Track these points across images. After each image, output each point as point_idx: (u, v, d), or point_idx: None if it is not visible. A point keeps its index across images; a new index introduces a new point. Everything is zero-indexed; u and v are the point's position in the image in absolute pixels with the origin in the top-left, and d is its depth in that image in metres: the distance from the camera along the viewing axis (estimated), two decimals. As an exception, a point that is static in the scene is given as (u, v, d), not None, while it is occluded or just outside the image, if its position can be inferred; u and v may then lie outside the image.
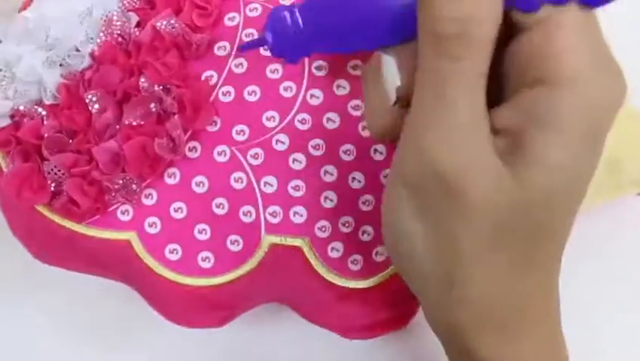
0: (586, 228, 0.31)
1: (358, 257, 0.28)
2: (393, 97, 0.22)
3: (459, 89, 0.20)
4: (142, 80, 0.28)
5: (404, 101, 0.22)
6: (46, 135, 0.28)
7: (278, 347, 0.34)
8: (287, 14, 0.24)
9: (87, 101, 0.28)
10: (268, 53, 0.28)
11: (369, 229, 0.28)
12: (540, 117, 0.20)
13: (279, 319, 0.33)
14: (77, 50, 0.29)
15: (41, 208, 0.28)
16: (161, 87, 0.28)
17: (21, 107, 0.29)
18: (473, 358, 0.23)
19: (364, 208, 0.28)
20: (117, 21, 0.29)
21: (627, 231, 0.35)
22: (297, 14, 0.24)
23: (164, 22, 0.28)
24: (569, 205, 0.21)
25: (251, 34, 0.29)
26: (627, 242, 0.34)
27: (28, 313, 0.35)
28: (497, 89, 0.21)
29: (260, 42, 0.25)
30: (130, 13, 0.29)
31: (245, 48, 0.26)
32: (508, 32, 0.21)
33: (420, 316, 0.30)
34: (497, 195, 0.20)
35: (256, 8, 0.29)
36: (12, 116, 0.29)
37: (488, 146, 0.20)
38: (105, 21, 0.29)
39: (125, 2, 0.29)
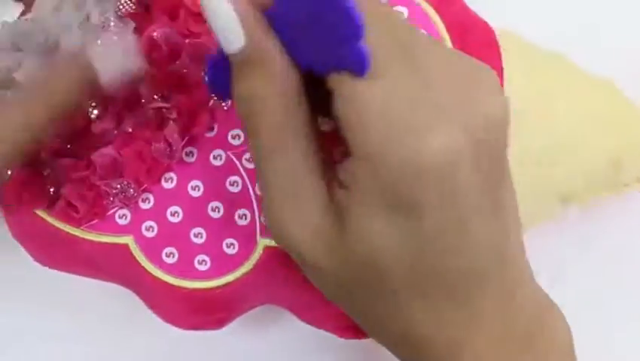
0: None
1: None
2: None
3: (265, 162, 0.21)
4: (142, 88, 0.28)
5: None
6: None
7: (275, 349, 0.34)
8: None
9: (86, 107, 0.28)
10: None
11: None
12: (351, 185, 0.20)
13: (275, 320, 0.34)
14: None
15: (40, 212, 0.29)
16: (160, 95, 0.28)
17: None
18: None
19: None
20: (114, 27, 0.29)
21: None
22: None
23: (160, 32, 0.28)
24: (392, 273, 0.21)
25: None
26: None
27: (27, 315, 0.35)
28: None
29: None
30: (127, 19, 0.30)
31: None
32: None
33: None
34: (328, 259, 0.21)
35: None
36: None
37: (314, 210, 0.21)
38: (102, 27, 0.29)
39: (121, 8, 0.30)
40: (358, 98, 0.19)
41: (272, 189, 0.21)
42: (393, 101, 0.19)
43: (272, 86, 0.20)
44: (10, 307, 0.35)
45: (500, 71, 0.28)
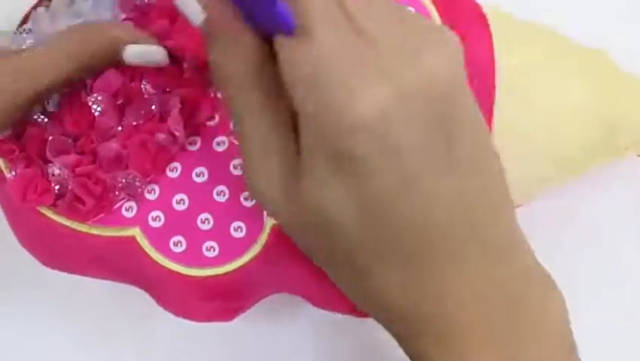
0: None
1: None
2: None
3: (240, 123, 0.23)
4: (144, 83, 0.29)
5: None
6: (50, 138, 0.29)
7: (291, 342, 0.33)
8: None
9: (90, 103, 0.29)
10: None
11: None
12: (301, 142, 0.21)
13: (289, 313, 0.33)
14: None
15: (45, 211, 0.29)
16: (161, 91, 0.29)
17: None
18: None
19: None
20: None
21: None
22: None
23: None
24: (320, 232, 0.22)
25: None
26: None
27: (29, 313, 0.35)
28: None
29: None
30: (127, 24, 0.31)
31: None
32: None
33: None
34: (286, 213, 0.23)
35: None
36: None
37: (282, 168, 0.22)
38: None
39: (120, 12, 0.31)
40: (294, 58, 0.20)
41: (246, 146, 0.23)
42: (328, 60, 0.20)
43: (236, 52, 0.22)
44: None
45: (489, 46, 0.29)
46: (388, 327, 0.23)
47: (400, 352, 0.23)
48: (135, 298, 0.31)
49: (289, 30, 0.20)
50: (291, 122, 0.22)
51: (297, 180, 0.21)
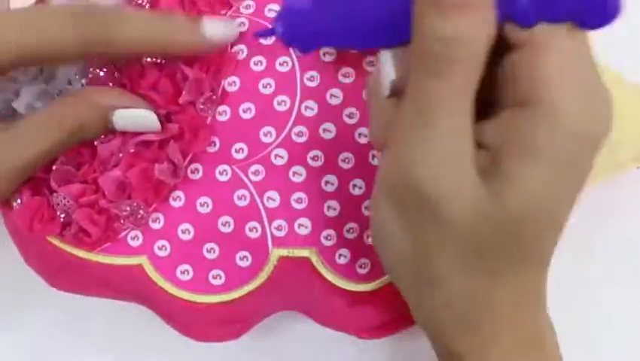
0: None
1: (366, 261, 0.28)
2: (387, 90, 0.22)
3: (441, 106, 0.20)
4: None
5: (399, 96, 0.22)
6: (54, 168, 0.28)
7: (293, 349, 0.34)
8: (298, 6, 0.24)
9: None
10: (260, 68, 0.28)
11: (374, 233, 0.28)
12: (519, 141, 0.20)
13: (292, 321, 0.34)
14: (70, 84, 0.29)
15: (52, 239, 0.29)
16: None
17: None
18: (447, 350, 0.24)
19: (367, 213, 0.28)
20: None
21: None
22: (309, 9, 0.24)
23: (149, 59, 0.28)
24: (543, 230, 0.21)
25: (240, 50, 0.29)
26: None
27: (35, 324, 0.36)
28: (489, 101, 0.21)
29: (271, 32, 0.26)
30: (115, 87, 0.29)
31: (257, 35, 0.26)
32: (505, 44, 0.20)
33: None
34: (472, 211, 0.20)
35: (243, 23, 0.29)
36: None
37: (468, 164, 0.20)
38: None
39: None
40: (560, 57, 0.19)
41: (431, 133, 0.20)
42: (587, 62, 0.20)
43: (480, 31, 0.19)
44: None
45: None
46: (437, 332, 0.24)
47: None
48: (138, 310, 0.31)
49: (605, 18, 0.20)
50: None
51: (489, 184, 0.20)
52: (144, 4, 0.29)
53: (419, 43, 0.20)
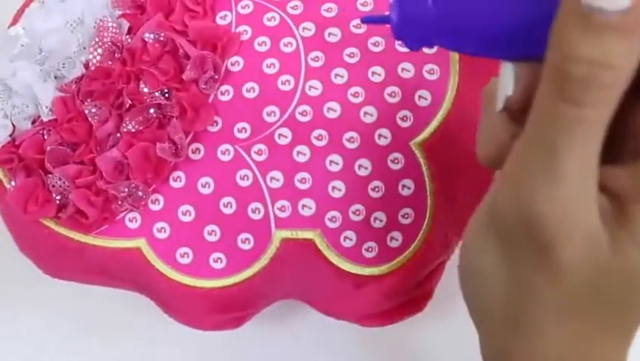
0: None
1: (373, 244, 0.28)
2: (501, 104, 0.21)
3: (573, 138, 0.18)
4: (142, 86, 0.28)
5: (511, 114, 0.20)
6: (48, 148, 0.28)
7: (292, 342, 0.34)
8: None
9: (87, 112, 0.28)
10: (264, 48, 0.28)
11: (381, 215, 0.27)
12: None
13: (292, 313, 0.33)
14: (64, 66, 0.28)
15: (47, 222, 0.28)
16: (160, 92, 0.28)
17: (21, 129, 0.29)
18: None
19: (374, 195, 0.27)
20: (112, 27, 0.29)
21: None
22: (430, 2, 0.21)
23: (151, 36, 0.28)
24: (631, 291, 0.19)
25: (245, 30, 0.29)
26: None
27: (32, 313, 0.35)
28: (617, 143, 0.19)
29: (383, 19, 0.23)
30: (121, 20, 0.29)
31: (365, 21, 0.24)
32: None
33: (435, 303, 0.30)
34: (588, 259, 0.18)
35: (247, 5, 0.29)
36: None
37: (591, 205, 0.18)
38: (97, 28, 0.29)
39: (116, 9, 0.29)
40: None
41: (558, 166, 0.18)
42: None
43: (631, 59, 0.17)
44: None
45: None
46: None
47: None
48: (137, 303, 0.30)
49: None
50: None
51: (620, 221, 0.19)
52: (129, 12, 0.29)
53: (556, 63, 0.18)
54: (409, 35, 0.21)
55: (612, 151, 0.19)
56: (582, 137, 0.18)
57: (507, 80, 0.20)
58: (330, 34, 0.28)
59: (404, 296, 0.29)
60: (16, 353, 0.35)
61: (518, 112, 0.19)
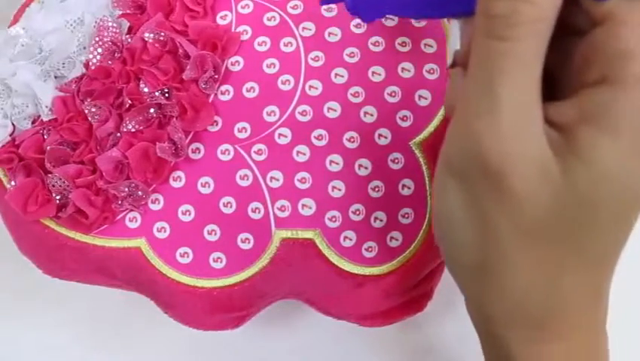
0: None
1: (372, 244, 0.28)
2: (450, 59, 0.22)
3: (505, 72, 0.18)
4: (142, 85, 0.28)
5: (465, 67, 0.21)
6: (48, 148, 0.28)
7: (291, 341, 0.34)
8: None
9: (87, 112, 0.28)
10: (264, 48, 0.28)
11: (381, 215, 0.27)
12: (598, 117, 0.18)
13: (291, 313, 0.33)
14: (64, 65, 0.28)
15: (47, 222, 0.28)
16: (160, 92, 0.28)
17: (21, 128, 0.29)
18: (502, 350, 0.22)
19: (374, 195, 0.27)
20: (112, 27, 0.29)
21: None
22: None
23: (151, 35, 0.28)
24: (618, 212, 0.19)
25: (245, 30, 0.29)
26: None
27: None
28: (558, 83, 0.20)
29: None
30: (121, 20, 0.29)
31: (324, 3, 0.25)
32: (576, 25, 0.20)
33: (435, 303, 0.30)
34: (541, 188, 0.19)
35: (247, 5, 0.29)
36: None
37: (538, 135, 0.19)
38: (97, 28, 0.29)
39: (116, 9, 0.29)
40: (624, 26, 0.18)
41: (503, 104, 0.19)
42: None
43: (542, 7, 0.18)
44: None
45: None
46: (498, 327, 0.22)
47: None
48: (137, 303, 0.30)
49: None
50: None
51: (564, 162, 0.19)
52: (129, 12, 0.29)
53: (483, 4, 0.19)
54: (361, 9, 0.23)
55: (556, 90, 0.20)
56: (514, 70, 0.18)
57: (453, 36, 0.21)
58: (330, 33, 0.28)
59: (404, 296, 0.29)
60: (16, 353, 0.35)
61: (467, 64, 0.20)
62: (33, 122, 0.29)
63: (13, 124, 0.29)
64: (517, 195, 0.19)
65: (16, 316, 0.35)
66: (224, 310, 0.29)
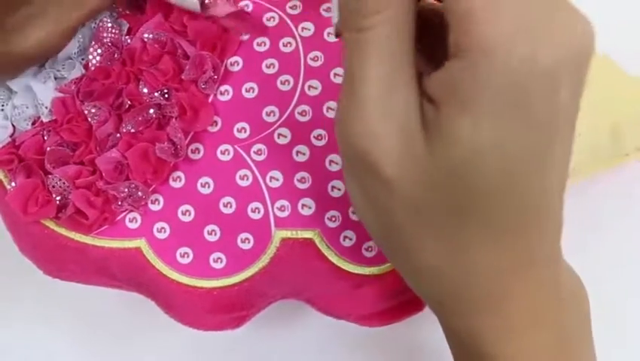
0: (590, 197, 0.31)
1: (372, 244, 0.28)
2: (333, 31, 0.22)
3: (364, 60, 0.19)
4: (141, 86, 0.28)
5: None
6: (48, 149, 0.28)
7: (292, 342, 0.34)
8: None
9: (87, 113, 0.28)
10: (263, 49, 0.28)
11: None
12: (452, 91, 0.18)
13: (292, 313, 0.33)
14: (64, 67, 0.29)
15: (48, 223, 0.28)
16: (159, 93, 0.28)
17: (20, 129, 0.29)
18: (444, 327, 0.23)
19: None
20: (111, 28, 0.29)
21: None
22: None
23: (150, 36, 0.28)
24: (494, 186, 0.19)
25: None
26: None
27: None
28: (437, 51, 0.20)
29: None
30: (121, 20, 0.29)
31: None
32: None
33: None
34: (410, 166, 0.19)
35: (247, 5, 0.29)
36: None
37: (403, 113, 0.19)
38: (97, 29, 0.29)
39: (115, 10, 0.29)
40: None
41: (365, 77, 0.19)
42: (512, 2, 0.18)
43: None
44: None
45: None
46: (436, 307, 0.23)
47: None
48: (137, 306, 0.30)
49: None
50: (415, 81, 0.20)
51: (430, 138, 0.19)
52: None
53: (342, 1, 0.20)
54: None
55: (435, 60, 0.20)
56: (372, 57, 0.19)
57: (334, 8, 0.22)
58: (329, 33, 0.28)
59: (404, 296, 0.29)
60: (17, 354, 0.35)
61: None
62: (33, 124, 0.29)
63: (13, 125, 0.29)
64: (390, 178, 0.19)
65: (15, 319, 0.35)
66: (224, 310, 0.29)
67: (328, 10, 0.28)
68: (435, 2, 0.22)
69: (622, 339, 0.32)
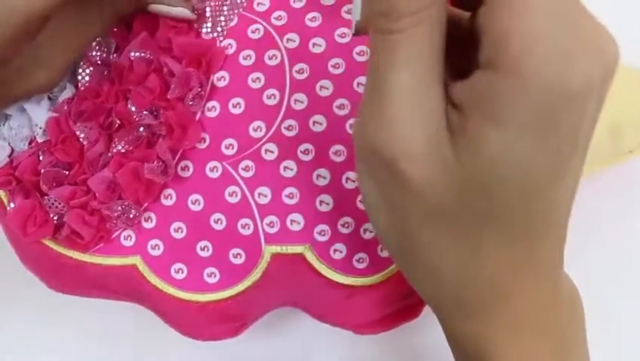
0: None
1: (363, 255, 0.28)
2: (353, 29, 0.22)
3: (393, 63, 0.19)
4: (130, 105, 0.28)
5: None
6: (42, 171, 0.28)
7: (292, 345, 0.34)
8: None
9: (78, 133, 0.28)
10: (249, 62, 0.28)
11: (370, 226, 0.27)
12: (482, 102, 0.18)
13: (291, 318, 0.34)
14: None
15: (47, 241, 0.29)
16: (148, 111, 0.28)
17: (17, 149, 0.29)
18: (446, 330, 0.23)
19: (362, 206, 0.27)
20: (99, 47, 0.29)
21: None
22: None
23: (137, 54, 0.28)
24: (512, 196, 0.19)
25: (229, 44, 0.28)
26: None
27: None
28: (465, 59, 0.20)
29: None
30: (108, 38, 0.29)
31: None
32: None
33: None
34: (435, 171, 0.19)
35: (231, 18, 0.29)
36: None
37: (430, 117, 0.19)
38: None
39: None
40: (525, 7, 0.18)
41: (386, 92, 0.19)
42: (553, 18, 0.18)
43: None
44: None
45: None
46: (439, 309, 0.23)
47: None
48: (137, 307, 0.31)
49: None
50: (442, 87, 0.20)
51: (456, 145, 0.19)
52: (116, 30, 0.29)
53: (370, 4, 0.20)
54: None
55: (463, 68, 0.20)
56: (402, 61, 0.19)
57: (356, 7, 0.21)
58: (314, 44, 0.28)
59: (398, 304, 0.29)
60: (17, 354, 0.36)
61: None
62: (30, 143, 0.30)
63: (10, 146, 0.30)
64: (411, 178, 0.19)
65: (15, 319, 0.36)
66: (221, 321, 0.29)
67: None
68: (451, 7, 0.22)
69: (618, 340, 0.32)
